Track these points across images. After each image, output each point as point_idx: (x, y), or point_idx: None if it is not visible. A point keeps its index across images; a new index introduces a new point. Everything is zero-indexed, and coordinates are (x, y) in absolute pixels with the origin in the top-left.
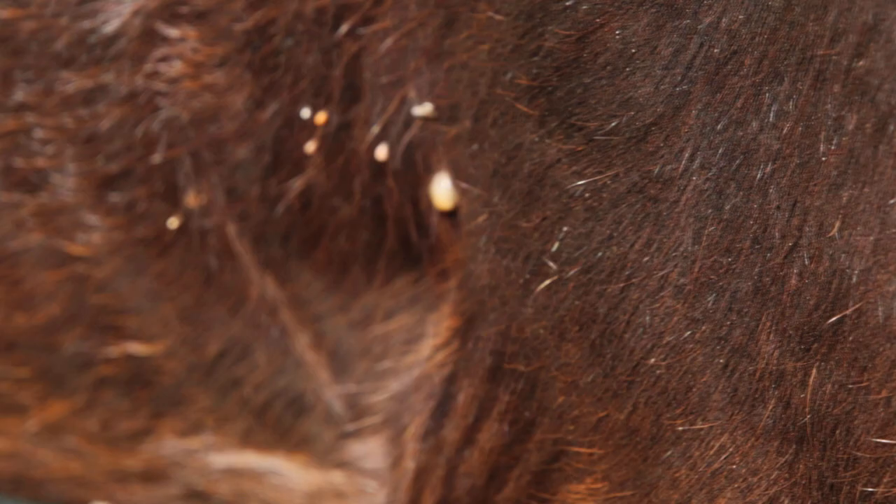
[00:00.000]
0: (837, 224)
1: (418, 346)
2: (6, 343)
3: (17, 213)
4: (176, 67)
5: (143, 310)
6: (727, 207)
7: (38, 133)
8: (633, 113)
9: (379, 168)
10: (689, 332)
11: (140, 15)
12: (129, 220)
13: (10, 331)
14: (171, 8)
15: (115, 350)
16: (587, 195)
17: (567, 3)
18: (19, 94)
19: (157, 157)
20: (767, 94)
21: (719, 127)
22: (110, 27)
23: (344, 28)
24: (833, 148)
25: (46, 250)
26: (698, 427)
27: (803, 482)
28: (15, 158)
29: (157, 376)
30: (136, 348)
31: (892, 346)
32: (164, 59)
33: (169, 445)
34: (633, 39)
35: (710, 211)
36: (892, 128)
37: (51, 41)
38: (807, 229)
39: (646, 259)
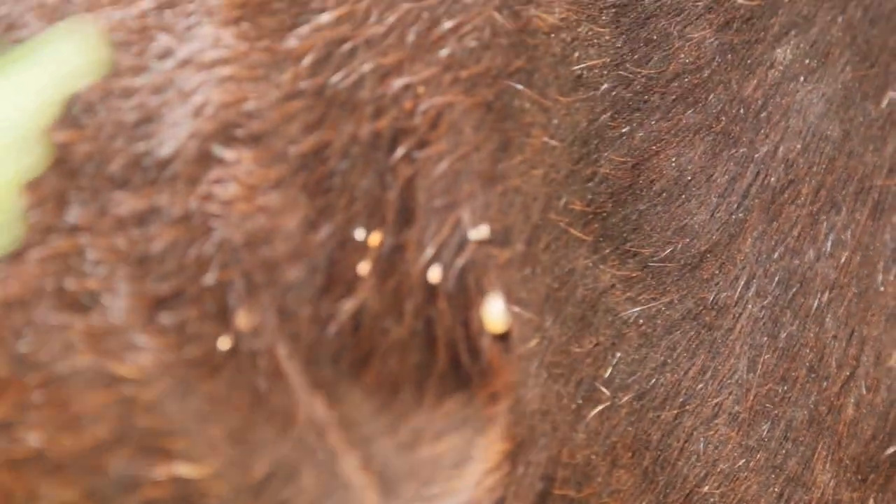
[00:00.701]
0: (895, 354)
1: (467, 470)
2: (53, 464)
3: (66, 334)
4: (230, 190)
5: (191, 431)
6: (783, 336)
7: (91, 254)
8: (688, 240)
9: (431, 290)
10: (743, 461)
11: (196, 138)
12: (179, 341)
13: (57, 452)
14: (227, 131)
15: (162, 471)
16: (641, 321)
17: (623, 130)
18: (73, 215)
19: (209, 279)
20: (824, 224)
21: (775, 255)
22: (166, 150)
23: (399, 151)
24: (891, 279)
25: (95, 372)
26: None
27: None
28: (67, 280)
29: (203, 498)
30: (184, 470)
31: None
32: (219, 181)
33: None
34: (689, 167)
35: (765, 339)
36: None
37: (106, 163)
38: (864, 359)
39: (700, 386)
